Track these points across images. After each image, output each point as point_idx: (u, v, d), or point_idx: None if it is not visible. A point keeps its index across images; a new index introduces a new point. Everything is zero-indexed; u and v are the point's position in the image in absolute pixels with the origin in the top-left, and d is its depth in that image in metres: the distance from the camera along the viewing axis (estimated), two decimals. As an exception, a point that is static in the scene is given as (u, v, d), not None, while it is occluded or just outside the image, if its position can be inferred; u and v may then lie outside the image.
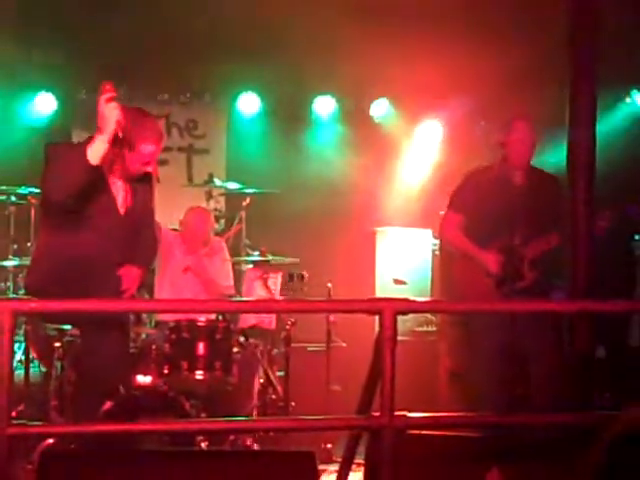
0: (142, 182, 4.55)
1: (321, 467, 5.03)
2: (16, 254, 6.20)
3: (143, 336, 5.51)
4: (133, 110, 4.38)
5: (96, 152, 4.13)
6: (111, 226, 4.36)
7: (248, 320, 6.09)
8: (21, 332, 5.78)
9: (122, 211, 4.45)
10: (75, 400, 4.95)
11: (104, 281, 4.36)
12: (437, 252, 7.47)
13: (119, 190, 4.45)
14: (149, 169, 4.43)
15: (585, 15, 4.20)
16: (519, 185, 5.25)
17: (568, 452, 3.57)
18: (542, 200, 5.24)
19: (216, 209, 7.66)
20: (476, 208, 5.25)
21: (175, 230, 6.33)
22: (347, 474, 3.64)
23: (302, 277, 6.33)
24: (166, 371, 5.34)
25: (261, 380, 5.85)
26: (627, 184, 7.11)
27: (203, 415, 5.29)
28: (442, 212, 5.50)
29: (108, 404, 4.41)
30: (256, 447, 5.42)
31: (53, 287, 4.24)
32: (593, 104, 4.17)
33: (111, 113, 4.10)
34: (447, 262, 5.58)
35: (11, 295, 6.61)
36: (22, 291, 6.33)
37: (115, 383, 4.35)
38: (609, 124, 7.61)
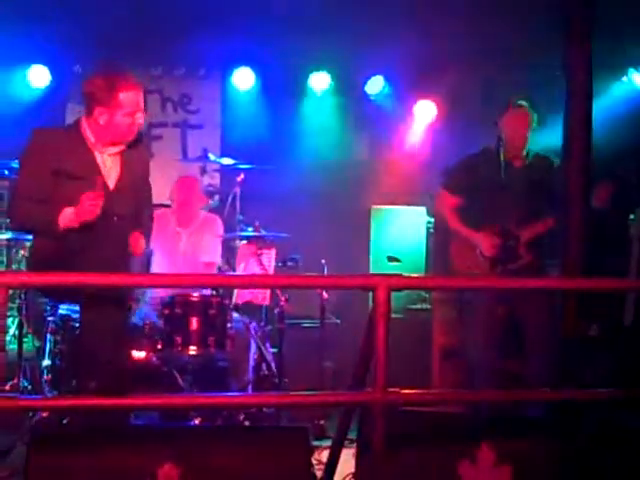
0: (134, 156, 4.51)
1: (314, 443, 5.06)
2: (9, 228, 6.17)
3: (136, 311, 5.51)
4: (101, 75, 4.35)
5: (67, 225, 4.22)
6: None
7: (242, 296, 6.09)
8: (15, 306, 5.77)
9: (111, 186, 4.40)
10: (69, 374, 4.96)
11: (100, 261, 4.32)
12: (432, 230, 7.48)
13: (108, 165, 4.41)
14: (139, 120, 4.35)
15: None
16: (515, 167, 5.26)
17: (560, 429, 3.59)
18: (538, 182, 5.26)
19: (210, 184, 7.64)
20: (472, 190, 5.28)
21: (167, 206, 6.32)
22: (340, 450, 3.65)
23: (296, 262, 6.32)
24: (159, 346, 5.35)
25: (255, 356, 5.86)
26: (622, 164, 7.10)
27: (196, 390, 5.31)
28: (437, 191, 5.50)
29: (101, 378, 4.39)
30: (248, 423, 5.44)
31: (53, 263, 4.23)
32: (589, 75, 4.16)
33: (92, 206, 4.18)
34: (442, 242, 5.59)
35: (4, 269, 6.61)
36: (15, 265, 6.33)
37: (113, 357, 4.32)
38: (605, 103, 7.59)
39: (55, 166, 4.28)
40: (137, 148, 4.54)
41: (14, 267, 6.36)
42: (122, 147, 4.45)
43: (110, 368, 4.26)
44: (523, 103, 5.35)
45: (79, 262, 4.21)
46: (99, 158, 4.39)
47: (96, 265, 4.19)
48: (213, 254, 6.26)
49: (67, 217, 4.20)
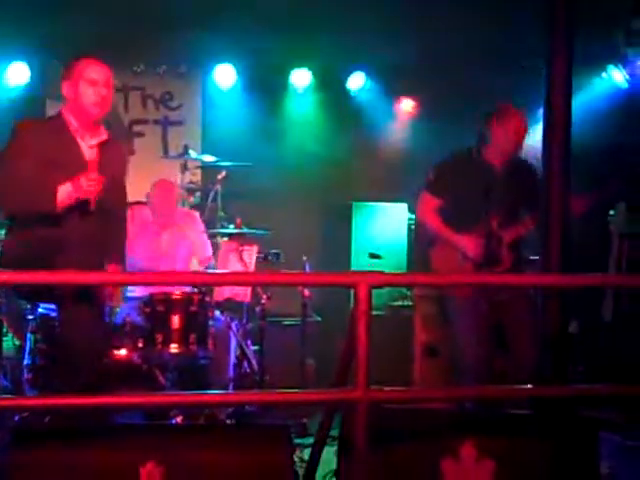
0: (111, 153, 4.51)
1: (296, 441, 5.06)
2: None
3: (117, 309, 5.48)
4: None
5: (64, 201, 4.24)
6: None
7: (223, 293, 6.08)
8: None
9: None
10: (49, 373, 4.93)
11: (77, 254, 4.32)
12: (413, 227, 7.49)
13: (88, 156, 4.42)
14: (102, 93, 4.38)
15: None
16: (499, 169, 5.24)
17: (542, 425, 3.60)
18: (520, 184, 5.25)
19: (192, 182, 7.62)
20: (455, 192, 5.24)
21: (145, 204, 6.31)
22: (322, 448, 3.65)
23: (277, 256, 6.31)
24: (140, 344, 5.32)
25: (236, 354, 5.85)
26: (602, 160, 7.14)
27: (178, 389, 5.29)
28: (419, 190, 5.47)
29: (82, 377, 4.37)
30: (230, 421, 5.43)
31: (29, 260, 4.21)
32: (569, 67, 4.16)
33: (90, 183, 4.23)
34: (424, 244, 5.58)
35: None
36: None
37: (91, 356, 4.32)
38: (585, 99, 7.62)
39: (41, 156, 4.30)
40: (115, 146, 4.59)
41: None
42: (100, 138, 4.47)
43: (89, 366, 4.25)
44: (518, 110, 5.26)
45: (59, 254, 4.23)
46: (83, 146, 4.43)
47: (77, 257, 4.24)
48: (205, 249, 6.26)
49: (64, 192, 4.23)
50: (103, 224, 4.47)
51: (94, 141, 4.46)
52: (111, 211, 4.54)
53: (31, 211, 4.30)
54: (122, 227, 4.77)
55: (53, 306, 4.60)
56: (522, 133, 5.22)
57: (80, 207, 4.30)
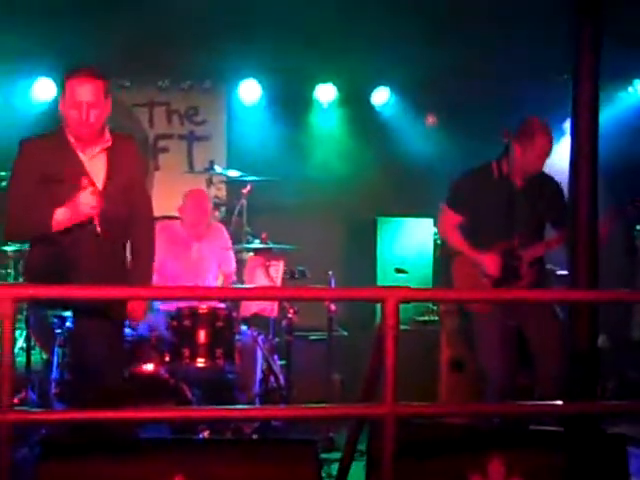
0: (121, 157, 4.44)
1: (323, 456, 5.05)
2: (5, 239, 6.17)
3: (144, 323, 5.50)
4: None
5: (60, 224, 4.21)
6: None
7: (250, 308, 6.09)
8: (22, 318, 5.76)
9: (99, 186, 4.34)
10: (74, 387, 4.94)
11: (93, 264, 4.31)
12: (438, 241, 7.47)
13: (94, 166, 4.37)
14: (85, 113, 4.25)
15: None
16: (520, 186, 5.20)
17: (570, 441, 3.58)
18: (542, 202, 5.21)
19: (217, 197, 7.65)
20: (476, 209, 5.21)
21: (176, 218, 6.30)
22: (350, 462, 3.64)
23: (304, 274, 6.30)
24: (167, 359, 5.34)
25: (262, 368, 5.84)
26: (627, 176, 7.11)
27: (204, 403, 5.30)
28: (440, 208, 5.44)
29: (92, 392, 4.36)
30: (257, 436, 5.43)
31: (47, 274, 4.23)
32: (596, 81, 4.15)
33: (87, 203, 4.17)
34: (446, 261, 5.57)
35: (11, 281, 6.60)
36: (22, 278, 6.32)
37: (101, 372, 4.30)
38: (611, 114, 7.60)
39: (42, 172, 4.28)
40: (124, 149, 4.48)
41: (21, 280, 6.35)
42: (104, 145, 4.39)
43: (99, 381, 4.24)
44: (548, 129, 5.16)
45: (73, 270, 4.22)
46: (84, 159, 4.36)
47: (90, 272, 4.21)
48: (230, 263, 6.27)
49: (60, 217, 4.19)
50: (122, 230, 4.44)
51: (97, 149, 4.38)
52: (132, 215, 4.47)
53: (31, 239, 4.35)
54: (148, 229, 4.62)
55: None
56: (547, 150, 5.13)
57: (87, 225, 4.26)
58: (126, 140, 4.55)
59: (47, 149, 4.35)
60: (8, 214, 4.36)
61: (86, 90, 4.26)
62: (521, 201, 5.12)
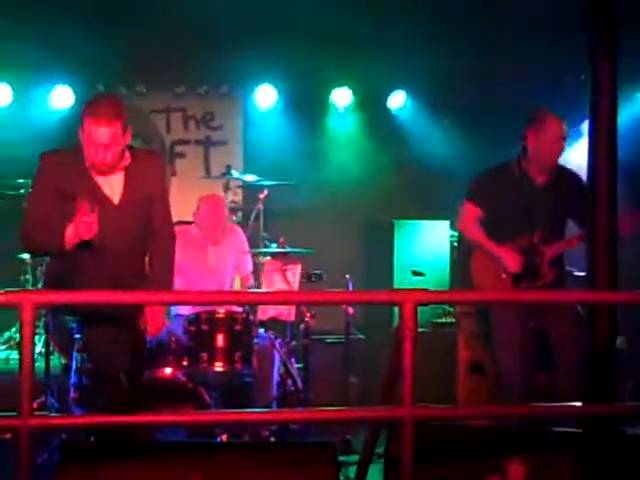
0: (141, 171, 4.48)
1: (341, 458, 5.04)
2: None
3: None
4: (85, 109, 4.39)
5: (71, 242, 4.25)
6: (106, 219, 4.29)
7: (267, 312, 6.09)
8: (41, 324, 5.79)
9: (116, 201, 4.41)
10: (92, 392, 4.96)
11: (111, 273, 4.36)
12: (455, 244, 7.46)
13: (110, 182, 4.42)
14: (100, 155, 4.28)
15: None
16: (541, 182, 5.17)
17: (590, 443, 3.56)
18: (564, 198, 5.16)
19: (233, 201, 7.67)
20: (496, 205, 5.20)
21: (190, 223, 6.32)
22: (368, 465, 3.64)
23: (320, 277, 6.30)
24: (185, 363, 5.35)
25: (280, 372, 5.85)
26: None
27: (222, 406, 5.31)
28: (460, 205, 5.46)
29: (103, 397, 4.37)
30: (275, 439, 5.43)
31: (64, 284, 4.28)
32: (614, 90, 4.13)
33: (87, 230, 4.21)
34: (465, 256, 5.55)
35: (30, 288, 6.65)
36: (40, 284, 6.36)
37: (111, 377, 4.32)
38: (630, 114, 7.56)
39: (58, 188, 4.33)
40: (145, 166, 4.52)
41: (40, 286, 6.39)
42: (122, 165, 4.43)
43: (109, 386, 4.27)
44: (559, 119, 5.14)
45: (89, 278, 4.28)
46: (100, 179, 4.40)
47: (107, 281, 4.26)
48: (247, 266, 6.28)
49: (69, 235, 4.24)
50: (140, 244, 4.50)
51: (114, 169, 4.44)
52: (151, 229, 4.53)
53: (45, 253, 4.39)
54: (167, 243, 4.65)
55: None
56: (560, 136, 5.09)
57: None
58: (148, 157, 4.62)
59: (64, 165, 4.40)
60: (24, 227, 4.42)
61: (104, 134, 4.27)
62: (542, 197, 5.09)
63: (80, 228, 4.21)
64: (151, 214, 4.53)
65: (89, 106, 4.34)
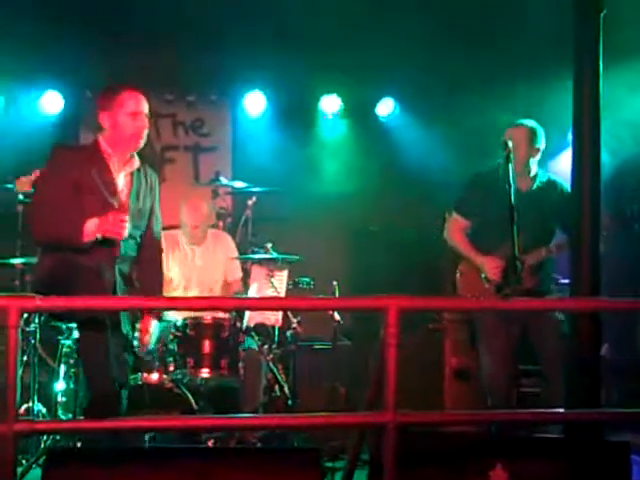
0: (144, 181, 4.57)
1: (327, 464, 5.06)
2: (23, 252, 6.21)
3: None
4: (106, 86, 4.56)
5: (90, 235, 4.28)
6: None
7: (254, 318, 6.11)
8: (29, 329, 5.79)
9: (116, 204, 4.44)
10: (79, 398, 4.97)
11: (105, 282, 4.37)
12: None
13: (121, 184, 4.48)
14: (141, 122, 4.42)
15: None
16: (524, 190, 5.22)
17: (573, 448, 3.59)
18: (549, 208, 5.22)
19: (222, 207, 7.67)
20: (481, 213, 5.26)
21: (177, 227, 6.38)
22: (353, 471, 3.66)
23: (308, 284, 6.34)
24: (172, 368, 5.36)
25: (267, 378, 5.86)
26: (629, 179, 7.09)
27: (209, 412, 5.32)
28: (448, 214, 5.50)
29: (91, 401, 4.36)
30: (261, 445, 5.44)
31: (57, 286, 4.27)
32: (597, 86, 4.18)
33: (117, 229, 4.29)
34: (450, 267, 5.59)
35: (19, 293, 6.63)
36: (29, 289, 6.35)
37: (101, 381, 4.33)
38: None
39: (75, 178, 4.36)
40: (148, 178, 4.62)
41: (29, 291, 6.37)
42: (133, 166, 4.52)
43: (98, 391, 4.26)
44: (524, 121, 5.28)
45: (85, 286, 4.25)
46: (115, 174, 4.48)
47: (98, 286, 4.27)
48: (236, 273, 6.32)
49: (90, 228, 4.27)
50: (132, 250, 4.52)
51: (127, 169, 4.52)
52: (144, 241, 4.58)
53: (59, 244, 4.36)
54: (158, 258, 4.72)
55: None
56: (525, 147, 5.17)
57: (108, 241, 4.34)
58: (150, 169, 4.69)
59: (80, 159, 4.45)
60: (37, 216, 4.41)
61: (141, 102, 4.46)
62: (526, 205, 5.12)
63: (109, 224, 4.25)
64: (148, 224, 4.59)
65: (119, 85, 4.51)
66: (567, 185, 5.19)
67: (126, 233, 4.30)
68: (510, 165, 5.04)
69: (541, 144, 5.28)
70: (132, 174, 4.53)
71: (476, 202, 5.29)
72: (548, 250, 5.22)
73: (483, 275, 5.22)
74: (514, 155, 5.06)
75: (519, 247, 5.06)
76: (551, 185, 5.31)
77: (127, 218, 4.30)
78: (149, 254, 4.63)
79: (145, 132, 4.47)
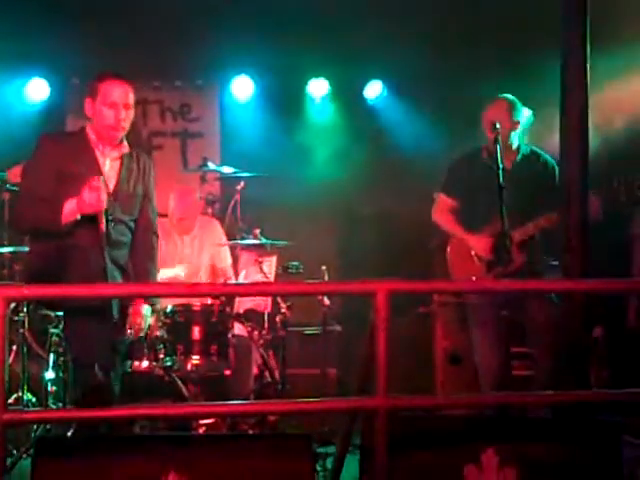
0: (135, 164, 4.56)
1: (319, 450, 5.07)
2: (11, 241, 6.18)
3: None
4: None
5: (68, 216, 4.26)
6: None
7: (244, 304, 6.10)
8: (18, 318, 5.76)
9: (110, 188, 4.43)
10: (69, 385, 4.95)
11: (94, 264, 4.35)
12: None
13: (108, 169, 4.47)
14: (122, 115, 4.41)
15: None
16: (509, 167, 5.21)
17: (564, 430, 3.59)
18: (534, 182, 5.22)
19: (210, 193, 7.64)
20: (468, 192, 5.26)
21: (164, 216, 6.34)
22: (344, 456, 3.65)
23: (297, 269, 6.32)
24: (162, 355, 5.34)
25: (257, 364, 5.86)
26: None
27: (200, 399, 5.31)
28: (436, 196, 5.50)
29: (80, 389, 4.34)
30: (252, 431, 5.43)
31: (45, 273, 4.25)
32: (584, 69, 4.17)
33: (93, 200, 4.25)
34: (439, 248, 5.58)
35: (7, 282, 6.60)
36: (17, 278, 6.33)
37: (89, 369, 4.31)
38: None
39: (59, 167, 4.36)
40: (140, 161, 4.60)
41: (17, 280, 6.34)
42: (121, 151, 4.51)
43: (87, 379, 4.25)
44: (503, 95, 5.30)
45: (74, 270, 4.26)
46: (101, 160, 4.47)
47: (90, 272, 4.26)
48: (224, 260, 6.32)
49: (69, 209, 4.26)
50: (125, 236, 4.49)
51: (114, 155, 4.50)
52: (138, 223, 4.55)
53: (39, 229, 4.36)
54: (153, 243, 4.67)
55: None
56: (508, 124, 5.16)
57: (92, 220, 4.32)
58: (143, 155, 4.69)
59: (66, 147, 4.46)
60: (17, 205, 4.48)
61: (122, 92, 4.44)
62: (510, 182, 5.10)
63: (86, 196, 4.22)
64: (138, 209, 4.56)
65: (102, 74, 4.48)
66: (551, 161, 5.22)
67: (104, 204, 4.26)
68: (498, 146, 5.03)
69: (521, 117, 5.29)
70: (122, 160, 4.51)
71: (461, 183, 5.30)
72: (535, 225, 5.20)
73: (473, 253, 5.21)
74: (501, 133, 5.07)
75: (507, 224, 5.05)
76: (535, 157, 5.33)
77: (101, 185, 4.25)
78: (141, 238, 4.60)
79: (123, 123, 4.44)
